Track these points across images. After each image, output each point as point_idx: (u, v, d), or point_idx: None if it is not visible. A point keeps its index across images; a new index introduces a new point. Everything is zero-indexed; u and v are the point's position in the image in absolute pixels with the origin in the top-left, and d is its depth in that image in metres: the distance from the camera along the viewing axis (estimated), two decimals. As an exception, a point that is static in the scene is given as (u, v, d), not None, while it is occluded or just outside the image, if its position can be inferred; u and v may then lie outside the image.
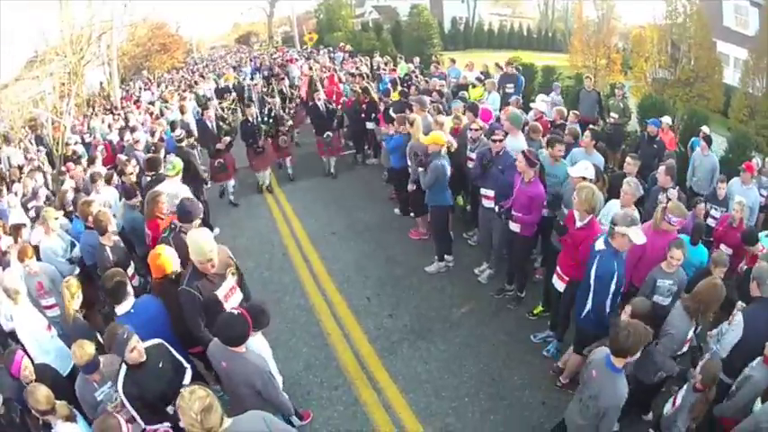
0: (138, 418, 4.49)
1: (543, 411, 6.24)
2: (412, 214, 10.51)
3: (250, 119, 12.62)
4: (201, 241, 5.07)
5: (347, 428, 6.06)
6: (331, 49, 28.73)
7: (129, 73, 32.88)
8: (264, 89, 19.34)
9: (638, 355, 4.43)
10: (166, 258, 5.57)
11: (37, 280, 6.46)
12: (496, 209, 7.60)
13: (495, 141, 7.82)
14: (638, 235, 5.26)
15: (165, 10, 34.31)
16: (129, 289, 5.38)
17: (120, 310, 5.24)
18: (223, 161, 12.22)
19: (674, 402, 4.99)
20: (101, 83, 29.75)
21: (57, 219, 7.55)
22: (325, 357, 7.17)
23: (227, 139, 12.28)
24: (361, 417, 6.20)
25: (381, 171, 12.82)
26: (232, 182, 12.83)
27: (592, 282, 5.54)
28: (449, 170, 8.27)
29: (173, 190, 7.73)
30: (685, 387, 4.93)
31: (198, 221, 6.24)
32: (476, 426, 6.07)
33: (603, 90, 15.68)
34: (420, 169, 8.33)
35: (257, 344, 4.83)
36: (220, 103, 17.42)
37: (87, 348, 4.55)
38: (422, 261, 9.31)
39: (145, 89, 28.32)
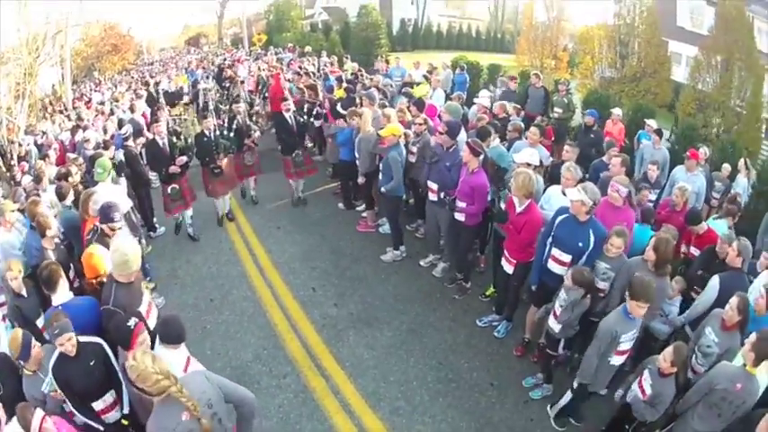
0: (67, 401, 4.48)
1: (493, 392, 6.37)
2: (358, 208, 10.96)
3: (207, 132, 10.28)
4: (129, 253, 4.99)
5: (297, 414, 6.05)
6: (280, 50, 28.54)
7: (81, 74, 32.38)
8: (219, 94, 17.75)
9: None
10: (99, 258, 5.55)
11: None
12: (442, 196, 7.67)
13: (441, 135, 7.83)
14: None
15: (116, 10, 34.01)
16: (64, 282, 5.29)
17: (56, 300, 5.15)
18: (178, 187, 9.85)
19: (642, 390, 4.96)
20: (53, 85, 29.22)
21: (13, 211, 7.34)
22: (273, 347, 7.15)
23: (184, 159, 9.79)
24: (311, 403, 6.21)
25: (326, 167, 12.79)
26: (189, 212, 10.29)
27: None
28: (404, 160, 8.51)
29: (107, 191, 7.50)
30: (647, 374, 4.91)
31: (120, 224, 6.26)
32: (425, 408, 6.14)
33: (549, 87, 15.88)
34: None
35: (169, 359, 4.40)
36: (170, 111, 16.05)
37: (18, 335, 4.52)
38: (367, 252, 9.44)
39: (95, 90, 27.94)
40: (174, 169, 9.66)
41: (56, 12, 25.37)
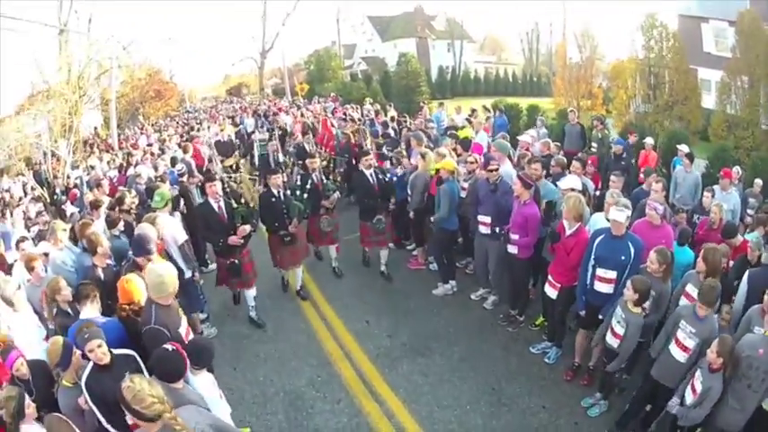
0: (99, 415, 4.42)
1: (545, 415, 6.41)
2: (408, 246, 11.05)
3: (276, 192, 8.70)
4: (164, 275, 5.07)
5: (352, 437, 6.13)
6: (323, 99, 29.28)
7: (125, 118, 33.31)
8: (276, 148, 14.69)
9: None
10: (135, 285, 5.54)
11: (41, 289, 6.20)
12: (497, 230, 7.89)
13: (491, 171, 8.10)
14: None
15: (159, 57, 35.32)
16: (96, 301, 5.45)
17: (84, 314, 5.30)
18: (237, 261, 8.16)
19: (693, 391, 5.08)
20: (95, 127, 30.17)
21: (65, 230, 7.55)
22: (327, 375, 7.28)
23: (247, 228, 8.11)
24: (364, 426, 6.31)
25: None
26: (252, 292, 8.66)
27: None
28: (459, 194, 8.88)
29: (166, 220, 7.72)
30: (698, 373, 5.05)
31: (154, 255, 6.26)
32: (479, 431, 6.20)
33: (586, 124, 16.11)
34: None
35: (201, 383, 4.73)
36: (223, 163, 14.54)
37: (58, 342, 4.63)
38: (418, 288, 9.54)
39: (141, 133, 28.48)
40: (234, 240, 7.97)
41: (100, 52, 26.23)
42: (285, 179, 9.62)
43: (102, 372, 4.40)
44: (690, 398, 5.10)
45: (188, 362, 4.36)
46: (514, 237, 7.51)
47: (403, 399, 6.73)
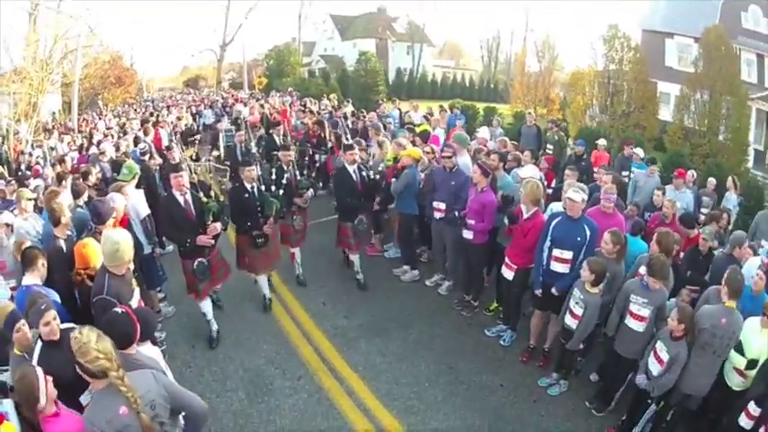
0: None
1: (503, 392, 6.61)
2: None
3: (249, 187, 7.79)
4: (120, 242, 4.95)
5: (312, 413, 6.19)
6: (281, 93, 29.30)
7: (85, 103, 32.90)
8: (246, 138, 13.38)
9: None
10: (93, 250, 5.53)
11: (0, 258, 6.22)
12: (455, 214, 8.02)
13: (446, 157, 8.34)
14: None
15: (121, 43, 35.25)
16: (42, 267, 5.32)
17: (26, 280, 5.22)
18: (206, 262, 7.25)
19: (659, 360, 5.33)
20: (53, 112, 29.70)
21: (30, 200, 7.46)
22: (285, 353, 7.31)
23: (218, 227, 7.13)
24: (326, 402, 6.35)
25: (330, 200, 12.24)
26: (218, 286, 8.06)
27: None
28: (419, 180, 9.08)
29: (132, 192, 7.78)
30: (660, 344, 5.33)
31: (111, 221, 6.29)
32: (438, 406, 6.32)
33: (542, 126, 16.57)
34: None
35: (148, 352, 4.46)
36: (184, 152, 12.61)
37: (6, 309, 4.49)
38: (374, 273, 9.58)
39: (99, 118, 28.07)
40: (204, 241, 7.01)
41: (68, 31, 26.23)
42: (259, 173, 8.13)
43: (53, 348, 4.23)
44: (656, 368, 5.33)
45: (138, 328, 4.10)
46: (471, 222, 7.72)
47: (362, 376, 6.81)
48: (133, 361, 3.95)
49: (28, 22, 25.53)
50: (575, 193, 6.34)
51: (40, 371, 3.59)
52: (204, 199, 7.08)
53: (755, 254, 7.12)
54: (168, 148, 10.74)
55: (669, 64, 24.85)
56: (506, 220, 7.14)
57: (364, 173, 8.84)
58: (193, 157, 14.50)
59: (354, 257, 9.26)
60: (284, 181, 8.51)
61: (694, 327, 5.18)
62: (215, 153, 15.39)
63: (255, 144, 13.41)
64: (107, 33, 33.09)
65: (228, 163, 10.38)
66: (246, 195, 7.75)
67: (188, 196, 6.98)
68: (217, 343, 7.44)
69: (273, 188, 8.34)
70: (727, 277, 5.19)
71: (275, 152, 9.78)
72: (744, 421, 4.77)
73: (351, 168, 8.70)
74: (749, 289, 5.61)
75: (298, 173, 9.08)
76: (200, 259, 7.15)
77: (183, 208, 6.95)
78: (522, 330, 7.54)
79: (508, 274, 7.15)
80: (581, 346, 6.28)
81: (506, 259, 7.23)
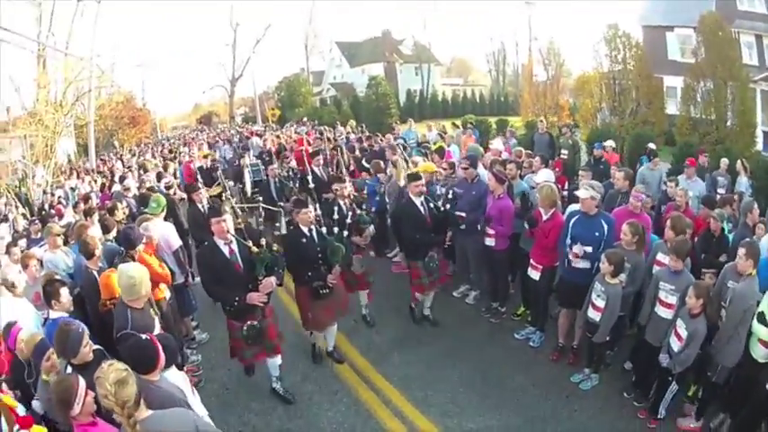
0: None
1: (536, 392, 6.73)
2: (389, 254, 11.32)
3: (306, 230, 6.81)
4: (136, 276, 5.05)
5: (351, 424, 6.32)
6: (296, 123, 29.80)
7: (101, 144, 33.48)
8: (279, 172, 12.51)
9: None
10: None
11: (35, 290, 6.24)
12: (478, 226, 8.22)
13: (464, 169, 8.67)
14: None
15: (132, 83, 36.08)
16: (65, 298, 5.44)
17: (53, 315, 5.34)
18: (258, 324, 6.16)
19: (678, 337, 5.55)
20: (68, 155, 30.25)
21: (58, 235, 7.61)
22: (321, 369, 7.45)
23: (273, 281, 6.07)
24: (364, 413, 6.48)
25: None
26: (278, 360, 6.76)
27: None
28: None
29: (161, 225, 7.87)
30: (679, 321, 5.55)
31: (141, 247, 6.50)
32: (474, 409, 6.45)
33: (554, 133, 16.69)
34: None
35: (174, 378, 4.49)
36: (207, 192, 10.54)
37: (34, 339, 4.72)
38: (400, 290, 9.38)
39: (117, 159, 28.38)
40: (257, 299, 5.92)
41: (80, 73, 26.94)
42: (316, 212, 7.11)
43: (82, 370, 4.19)
44: (676, 345, 5.54)
45: (161, 354, 4.14)
46: (491, 231, 7.97)
47: (398, 386, 6.94)
48: (156, 387, 4.03)
49: (37, 65, 26.20)
50: (583, 191, 6.70)
51: (82, 381, 3.70)
52: (254, 248, 5.98)
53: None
54: (192, 189, 9.59)
55: (672, 57, 24.90)
56: (527, 225, 7.35)
57: (432, 204, 7.93)
58: (220, 197, 12.60)
59: (427, 298, 8.43)
60: (348, 219, 7.63)
61: (712, 302, 5.38)
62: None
63: (292, 178, 12.98)
64: (118, 74, 33.73)
65: (261, 199, 8.74)
66: (304, 240, 6.75)
67: (234, 245, 6.00)
68: (253, 372, 7.01)
69: (336, 229, 7.27)
70: (747, 250, 5.41)
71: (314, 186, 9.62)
72: None
73: (417, 201, 7.79)
74: (765, 263, 5.82)
75: (356, 207, 8.12)
76: (251, 322, 6.07)
77: (228, 260, 5.94)
78: (550, 331, 7.67)
79: (534, 274, 7.38)
80: (607, 338, 6.41)
81: (531, 261, 7.46)
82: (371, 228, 8.13)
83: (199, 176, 13.07)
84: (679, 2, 24.42)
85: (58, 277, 5.92)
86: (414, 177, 7.96)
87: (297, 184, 12.41)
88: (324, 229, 7.05)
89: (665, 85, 24.20)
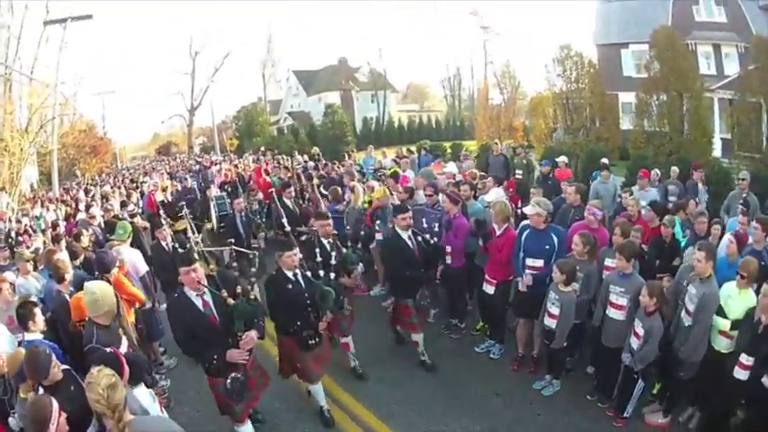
0: None
1: (499, 400, 6.98)
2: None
3: (291, 274, 6.17)
4: (97, 292, 5.23)
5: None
6: (252, 152, 29.95)
7: (63, 173, 33.19)
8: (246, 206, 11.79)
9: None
10: None
11: (8, 314, 6.24)
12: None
13: (428, 196, 9.25)
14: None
15: (93, 112, 36.09)
16: (38, 320, 5.53)
17: (30, 336, 5.39)
18: (241, 377, 5.51)
19: (636, 336, 5.91)
20: (30, 184, 29.93)
21: (28, 261, 7.67)
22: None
23: (254, 335, 5.46)
24: (333, 429, 6.64)
25: None
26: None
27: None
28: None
29: (128, 251, 8.05)
30: (636, 321, 5.92)
31: (115, 271, 6.73)
32: (438, 419, 6.64)
33: (509, 154, 17.15)
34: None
35: (142, 396, 4.62)
36: (172, 227, 9.86)
37: (19, 354, 4.70)
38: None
39: (79, 189, 27.97)
40: (237, 357, 5.34)
41: (46, 100, 26.95)
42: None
43: (53, 391, 4.23)
44: (635, 344, 5.89)
45: (126, 368, 4.32)
46: (448, 248, 8.22)
47: (364, 404, 7.05)
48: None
49: (4, 89, 26.04)
50: (529, 207, 7.16)
51: (55, 402, 3.77)
52: (230, 300, 5.33)
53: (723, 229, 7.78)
54: (156, 226, 9.05)
55: (627, 73, 25.50)
56: (481, 241, 7.70)
57: (420, 238, 7.54)
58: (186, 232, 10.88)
59: (418, 337, 7.75)
60: (332, 260, 6.97)
61: (668, 302, 5.94)
62: (207, 225, 13.36)
63: (260, 212, 13.17)
64: (80, 102, 33.76)
65: (233, 241, 7.76)
66: (290, 286, 6.11)
67: (207, 296, 5.31)
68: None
69: (322, 272, 6.64)
70: (705, 249, 5.79)
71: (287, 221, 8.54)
72: (740, 374, 5.25)
73: (405, 234, 7.38)
74: (724, 260, 6.48)
75: (340, 244, 7.52)
76: (234, 374, 5.44)
77: (202, 313, 5.27)
78: (510, 343, 7.93)
79: (489, 289, 7.63)
80: (565, 344, 6.66)
81: (486, 276, 7.71)
82: (360, 266, 7.47)
83: (161, 210, 11.32)
84: (634, 18, 25.33)
85: (32, 299, 6.02)
86: (400, 210, 7.51)
87: (264, 219, 12.67)
88: (308, 273, 6.38)
89: (621, 101, 24.87)
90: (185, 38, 48.17)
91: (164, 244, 8.61)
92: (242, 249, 7.85)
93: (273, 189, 12.14)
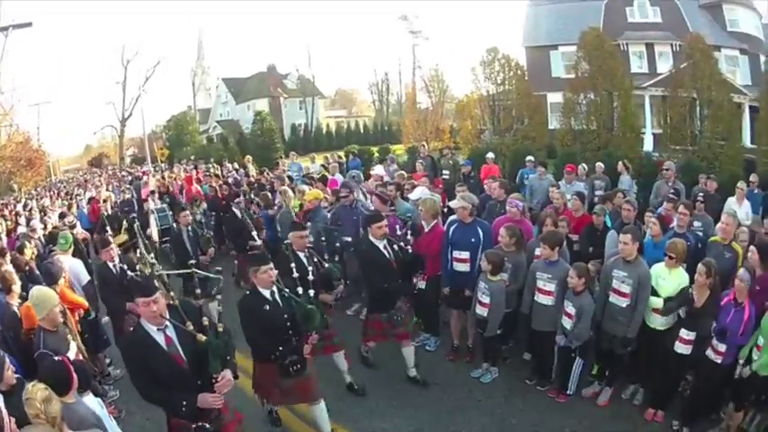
0: None
1: (438, 389, 7.25)
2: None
3: (268, 294, 5.40)
4: (36, 295, 5.49)
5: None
6: (184, 162, 29.69)
7: (1, 187, 32.22)
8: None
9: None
10: None
11: None
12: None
13: (343, 197, 9.52)
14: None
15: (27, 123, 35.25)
16: None
17: None
18: (211, 426, 4.54)
19: (568, 316, 6.42)
20: None
21: None
22: (248, 399, 6.74)
23: (228, 377, 4.48)
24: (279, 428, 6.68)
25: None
26: None
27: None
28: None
29: (69, 261, 7.99)
30: (566, 302, 6.44)
31: (62, 281, 6.79)
32: (381, 411, 6.83)
33: (436, 156, 17.73)
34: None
35: (91, 403, 4.57)
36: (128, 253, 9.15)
37: None
38: None
39: (16, 203, 27.26)
40: (211, 402, 4.37)
41: None
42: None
43: (8, 396, 4.15)
44: (568, 323, 6.40)
45: (74, 375, 4.31)
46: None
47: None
48: (73, 409, 4.18)
49: None
50: (456, 201, 7.66)
51: (4, 411, 3.83)
52: (200, 337, 4.39)
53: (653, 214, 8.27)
54: (103, 245, 7.85)
55: (556, 75, 26.14)
56: (410, 235, 7.80)
57: (396, 246, 7.03)
58: (128, 246, 10.63)
59: (405, 350, 7.28)
60: (310, 276, 5.97)
61: (593, 280, 6.52)
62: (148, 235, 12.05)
63: (204, 222, 12.45)
64: (17, 114, 32.87)
65: (193, 262, 6.58)
66: (267, 307, 5.34)
67: (170, 331, 4.41)
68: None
69: (300, 289, 5.74)
70: (630, 232, 6.33)
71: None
72: (681, 348, 5.82)
73: (380, 244, 6.86)
74: (650, 242, 7.19)
75: (319, 259, 6.92)
76: (202, 424, 4.49)
77: (165, 352, 4.36)
78: (446, 334, 8.24)
79: (421, 283, 7.40)
80: (498, 332, 7.05)
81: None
82: (341, 285, 7.07)
83: (106, 223, 10.76)
84: (564, 21, 26.14)
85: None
86: (374, 219, 6.99)
87: (212, 232, 11.67)
88: (285, 291, 5.54)
89: (549, 102, 25.60)
90: (117, 46, 47.11)
91: (111, 265, 7.57)
92: (207, 274, 6.67)
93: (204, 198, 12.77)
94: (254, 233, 7.99)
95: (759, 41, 25.32)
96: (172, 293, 4.86)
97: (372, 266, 6.92)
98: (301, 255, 6.52)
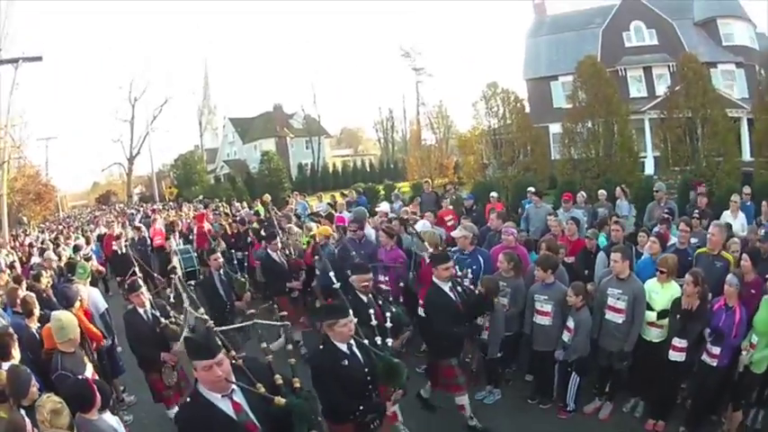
0: None
1: (442, 412, 7.30)
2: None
3: (347, 349, 4.76)
4: (63, 319, 5.69)
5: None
6: (194, 200, 30.17)
7: (11, 219, 32.53)
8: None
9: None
10: None
11: None
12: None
13: (354, 231, 9.75)
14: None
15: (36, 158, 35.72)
16: (15, 351, 5.63)
17: (5, 365, 5.43)
18: None
19: (568, 330, 6.79)
20: None
21: None
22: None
23: None
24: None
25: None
26: None
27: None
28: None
29: (87, 292, 8.26)
30: (569, 318, 6.80)
31: (78, 305, 7.07)
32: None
33: (440, 191, 18.19)
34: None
35: (110, 419, 4.74)
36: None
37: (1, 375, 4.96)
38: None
39: (27, 235, 27.56)
40: None
41: None
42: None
43: (29, 411, 4.39)
44: (567, 337, 6.76)
45: (97, 394, 4.49)
46: (385, 278, 8.74)
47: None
48: (96, 425, 4.42)
49: None
50: (457, 231, 8.21)
51: (28, 420, 4.09)
52: (279, 399, 3.78)
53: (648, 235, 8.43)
54: (133, 289, 6.99)
55: (558, 105, 26.80)
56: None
57: (460, 288, 6.64)
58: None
59: (463, 400, 6.76)
60: (388, 323, 5.46)
61: (590, 297, 6.97)
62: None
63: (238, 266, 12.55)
64: (26, 148, 33.49)
65: (209, 301, 6.89)
66: (346, 362, 4.70)
67: (237, 396, 3.71)
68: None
69: (379, 337, 5.25)
70: (620, 251, 6.73)
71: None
72: (675, 356, 6.13)
73: (446, 287, 6.44)
74: (649, 259, 7.46)
75: (389, 303, 6.63)
76: None
77: (236, 423, 3.62)
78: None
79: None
80: (499, 354, 7.32)
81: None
82: (410, 327, 6.84)
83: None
84: (563, 51, 26.85)
85: (10, 331, 6.18)
86: (440, 259, 6.52)
87: (245, 274, 11.23)
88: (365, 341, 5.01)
89: (551, 132, 26.11)
90: (125, 83, 47.94)
91: (141, 312, 6.87)
92: (271, 323, 6.00)
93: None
94: (331, 274, 6.40)
95: (755, 52, 25.86)
96: (233, 352, 4.14)
97: (441, 312, 6.37)
98: (366, 299, 6.06)
